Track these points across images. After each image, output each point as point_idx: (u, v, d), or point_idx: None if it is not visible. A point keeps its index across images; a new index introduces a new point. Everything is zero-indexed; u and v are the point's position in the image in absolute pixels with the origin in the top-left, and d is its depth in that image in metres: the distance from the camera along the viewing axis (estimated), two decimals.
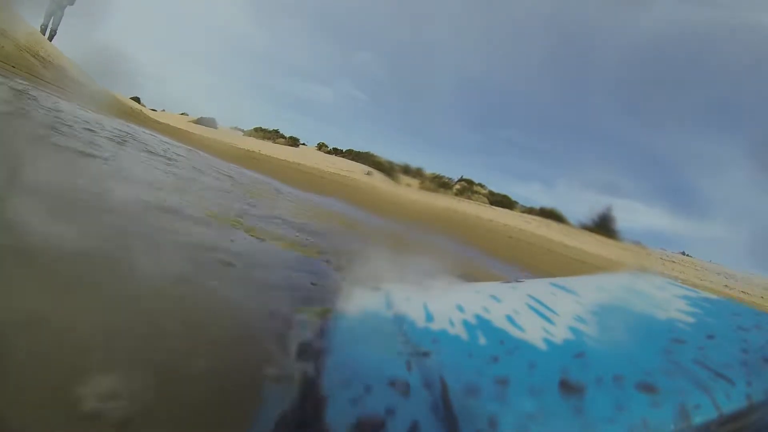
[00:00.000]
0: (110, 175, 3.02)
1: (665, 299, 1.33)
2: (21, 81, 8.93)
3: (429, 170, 34.06)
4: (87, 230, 1.96)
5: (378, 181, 30.29)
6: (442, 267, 2.11)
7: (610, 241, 26.35)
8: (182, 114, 39.98)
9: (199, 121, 37.45)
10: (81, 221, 2.00)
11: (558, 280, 1.57)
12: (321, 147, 38.40)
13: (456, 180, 34.82)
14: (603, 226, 28.01)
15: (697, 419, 0.84)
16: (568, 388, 0.89)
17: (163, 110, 39.68)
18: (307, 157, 32.33)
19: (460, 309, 1.28)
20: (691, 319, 1.17)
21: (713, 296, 1.36)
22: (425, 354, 1.05)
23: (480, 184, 34.55)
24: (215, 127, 36.52)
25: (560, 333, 1.11)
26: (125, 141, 5.97)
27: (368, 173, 32.11)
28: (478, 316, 1.23)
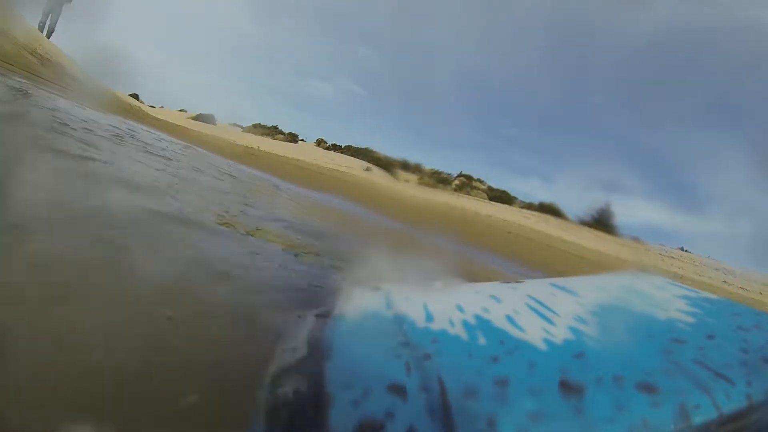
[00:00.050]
0: (107, 178, 2.99)
1: (665, 299, 1.33)
2: (19, 79, 8.91)
3: (428, 166, 34.09)
4: (86, 232, 1.97)
5: (377, 177, 30.29)
6: (441, 266, 2.11)
7: (608, 237, 26.43)
8: (181, 111, 39.99)
9: (198, 118, 37.42)
10: (76, 225, 2.00)
11: (558, 280, 1.57)
12: (320, 143, 38.40)
13: (455, 175, 34.81)
14: (602, 221, 28.08)
15: (697, 419, 0.84)
16: (568, 388, 0.89)
17: (162, 107, 39.69)
18: (306, 153, 32.32)
19: (460, 309, 1.28)
20: (691, 319, 1.17)
21: (713, 296, 1.36)
22: (425, 355, 1.05)
23: (479, 180, 34.58)
24: (214, 124, 36.49)
25: (560, 333, 1.11)
26: (123, 140, 5.95)
27: (367, 169, 32.10)
28: (478, 317, 1.23)
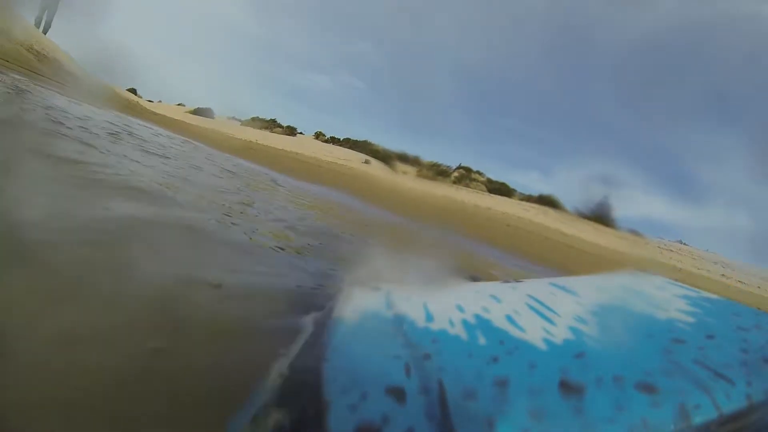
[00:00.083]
0: (101, 182, 2.97)
1: (665, 299, 1.33)
2: (16, 76, 8.86)
3: (427, 158, 33.98)
4: (92, 216, 1.96)
5: (376, 169, 30.22)
6: (442, 263, 2.11)
7: (607, 230, 26.45)
8: (179, 105, 39.85)
9: (196, 112, 37.32)
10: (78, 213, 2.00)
11: (558, 280, 1.57)
12: (318, 136, 38.26)
13: (454, 168, 34.71)
14: (600, 214, 28.09)
15: (697, 419, 0.84)
16: (568, 388, 0.89)
17: (160, 101, 39.56)
18: (304, 146, 32.23)
19: (460, 309, 1.28)
20: (691, 319, 1.18)
21: (713, 296, 1.36)
22: (425, 355, 1.05)
23: (478, 172, 34.46)
24: (212, 118, 36.39)
25: (560, 333, 1.11)
26: (120, 138, 5.92)
27: (366, 162, 32.01)
28: (478, 316, 1.23)
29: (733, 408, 0.87)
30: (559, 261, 11.36)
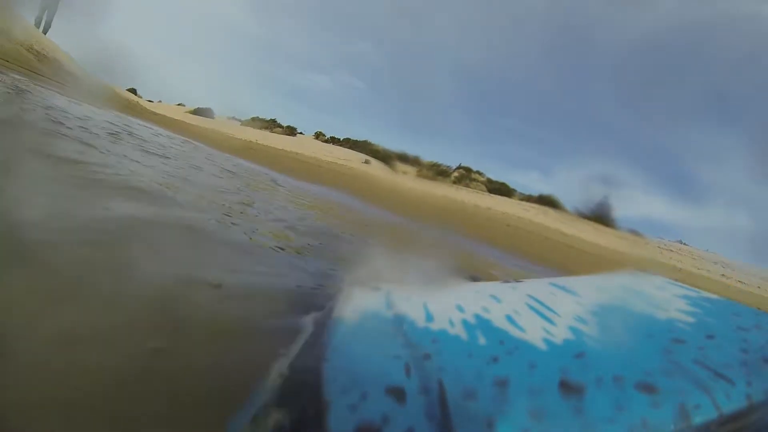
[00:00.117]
0: (101, 182, 2.97)
1: (665, 299, 1.33)
2: (16, 76, 8.85)
3: (427, 158, 33.95)
4: (92, 216, 1.96)
5: (376, 169, 30.21)
6: (443, 264, 2.11)
7: (607, 230, 26.45)
8: (179, 105, 39.85)
9: (196, 112, 37.33)
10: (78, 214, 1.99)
11: (558, 280, 1.57)
12: (318, 136, 38.25)
13: (454, 168, 34.68)
14: (601, 214, 28.09)
15: (697, 419, 0.84)
16: (568, 388, 0.89)
17: (160, 101, 39.57)
18: (304, 146, 32.23)
19: (460, 309, 1.28)
20: (691, 319, 1.18)
21: (713, 296, 1.36)
22: (425, 355, 1.05)
23: (478, 172, 34.42)
24: (212, 118, 36.40)
25: (560, 333, 1.11)
26: (120, 138, 5.91)
27: (366, 162, 31.99)
28: (478, 316, 1.23)
29: (733, 408, 0.87)
30: (559, 261, 11.36)
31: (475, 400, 0.89)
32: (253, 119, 37.80)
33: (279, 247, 2.82)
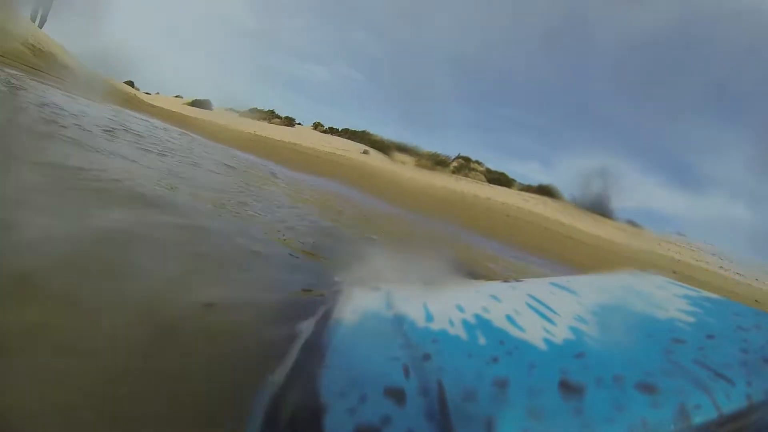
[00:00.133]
0: (98, 186, 2.94)
1: (665, 299, 1.33)
2: (11, 71, 8.77)
3: (426, 148, 33.76)
4: (91, 215, 1.95)
5: (375, 159, 30.10)
6: (442, 257, 2.10)
7: (606, 221, 26.47)
8: (176, 96, 39.59)
9: (194, 104, 37.12)
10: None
11: (558, 279, 1.57)
12: (317, 126, 38.02)
13: (453, 158, 34.54)
14: (600, 205, 28.09)
15: (697, 419, 0.84)
16: (568, 388, 0.89)
17: (158, 93, 39.31)
18: (303, 137, 32.07)
19: (460, 309, 1.28)
20: (691, 319, 1.18)
21: (713, 296, 1.36)
22: (425, 356, 1.05)
23: (477, 162, 34.26)
24: (210, 109, 36.20)
25: (560, 333, 1.11)
26: (116, 135, 5.86)
27: (365, 152, 31.86)
28: (478, 316, 1.23)
29: (733, 408, 0.88)
30: (558, 252, 11.37)
31: (475, 400, 0.88)
32: (252, 110, 37.55)
33: (279, 249, 2.81)
